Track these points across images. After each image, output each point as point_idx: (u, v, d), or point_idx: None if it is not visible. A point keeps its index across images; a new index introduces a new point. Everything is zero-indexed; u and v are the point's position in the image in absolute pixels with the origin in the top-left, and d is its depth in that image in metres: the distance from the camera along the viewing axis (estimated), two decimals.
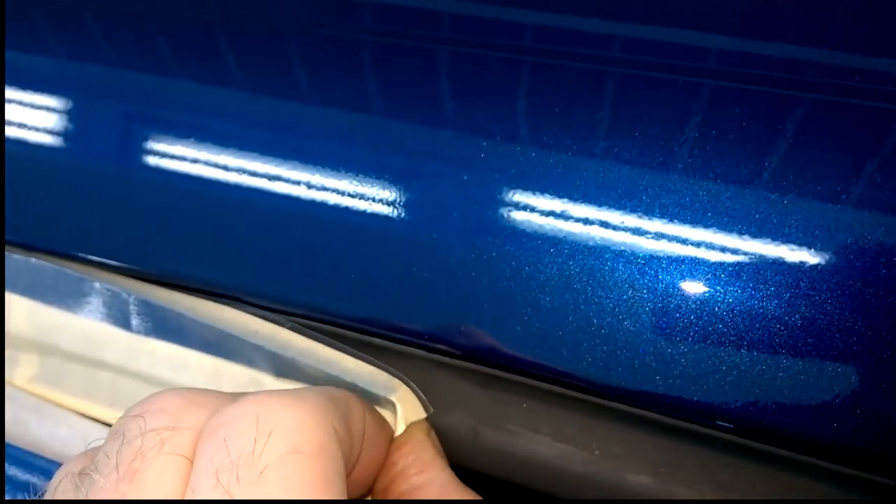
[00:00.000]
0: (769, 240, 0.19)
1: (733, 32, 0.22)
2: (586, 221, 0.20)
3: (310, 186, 0.22)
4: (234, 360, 0.23)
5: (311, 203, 0.22)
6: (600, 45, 0.22)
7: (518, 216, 0.21)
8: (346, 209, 0.22)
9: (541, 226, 0.20)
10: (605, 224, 0.20)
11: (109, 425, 0.24)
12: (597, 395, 0.21)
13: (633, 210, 0.20)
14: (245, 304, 0.24)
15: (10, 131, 0.25)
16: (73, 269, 0.25)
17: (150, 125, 0.24)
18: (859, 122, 0.20)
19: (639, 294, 0.20)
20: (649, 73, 0.21)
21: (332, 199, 0.22)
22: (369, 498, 0.21)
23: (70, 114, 0.25)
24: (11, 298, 0.25)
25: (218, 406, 0.16)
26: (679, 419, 0.21)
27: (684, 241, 0.20)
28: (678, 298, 0.20)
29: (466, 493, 0.19)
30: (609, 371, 0.20)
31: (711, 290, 0.19)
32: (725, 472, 0.20)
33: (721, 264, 0.19)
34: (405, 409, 0.21)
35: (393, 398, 0.21)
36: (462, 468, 0.22)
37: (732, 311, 0.19)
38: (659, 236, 0.20)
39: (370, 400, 0.20)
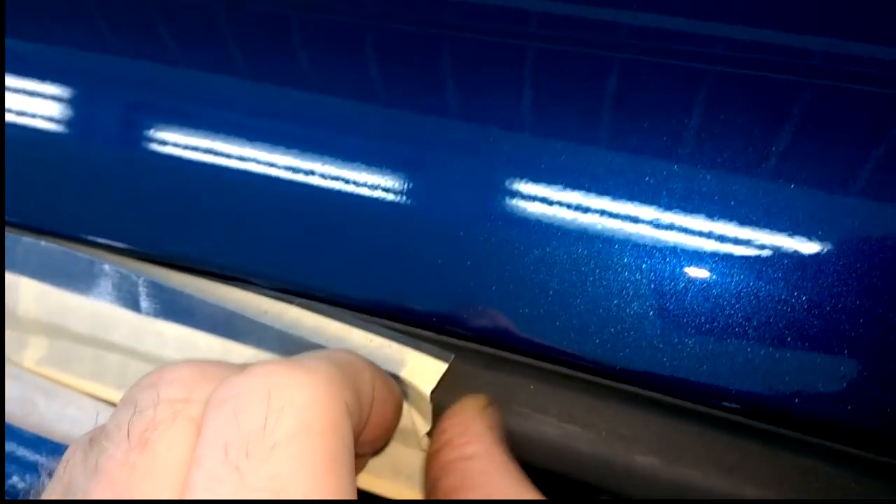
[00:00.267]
0: (776, 223, 0.19)
1: (739, 19, 0.22)
2: (595, 204, 0.20)
3: (319, 168, 0.22)
4: (243, 340, 0.23)
5: (321, 185, 0.22)
6: (604, 32, 0.22)
7: (526, 198, 0.21)
8: (356, 191, 0.22)
9: (549, 208, 0.20)
10: (613, 207, 0.20)
11: None
12: (604, 377, 0.21)
13: (640, 194, 0.20)
14: (254, 286, 0.24)
15: (20, 115, 0.25)
16: (82, 252, 0.25)
17: (159, 107, 0.24)
18: (872, 108, 0.20)
19: (646, 276, 0.20)
20: (655, 59, 0.22)
21: (342, 181, 0.22)
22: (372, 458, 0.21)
23: (80, 96, 0.25)
24: (21, 280, 0.25)
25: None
26: (686, 400, 0.21)
27: (691, 225, 0.20)
28: (685, 281, 0.20)
29: (512, 475, 0.19)
30: (616, 352, 0.20)
31: (718, 272, 0.19)
32: (732, 454, 0.20)
33: (728, 248, 0.19)
34: (417, 381, 0.21)
35: (402, 374, 0.21)
36: None
37: (739, 293, 0.19)
38: (666, 220, 0.20)
39: None
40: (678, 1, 0.23)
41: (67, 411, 0.25)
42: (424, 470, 0.21)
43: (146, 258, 0.25)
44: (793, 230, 0.19)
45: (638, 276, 0.20)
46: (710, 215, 0.20)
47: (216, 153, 0.23)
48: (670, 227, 0.20)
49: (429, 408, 0.21)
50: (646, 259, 0.20)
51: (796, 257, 0.19)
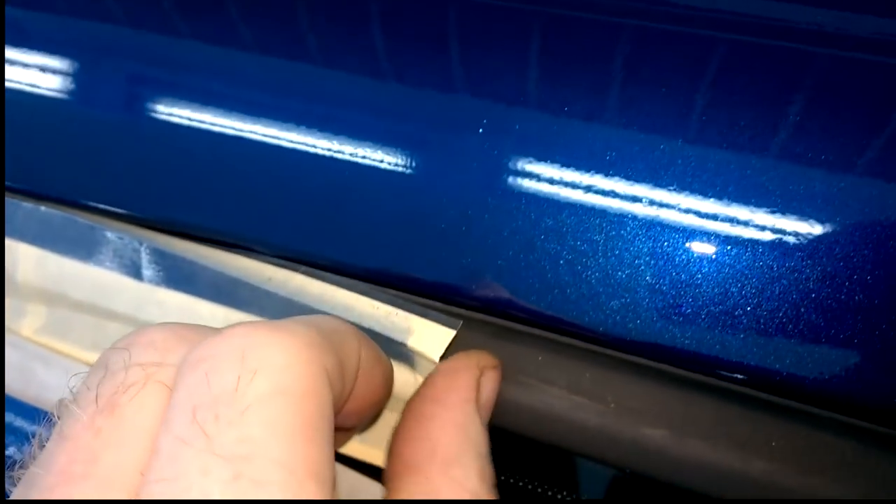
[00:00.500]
0: (787, 195, 0.19)
1: None
2: (605, 174, 0.20)
3: (325, 136, 0.22)
4: (246, 308, 0.22)
5: (327, 153, 0.22)
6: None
7: (536, 167, 0.20)
8: (362, 160, 0.21)
9: (558, 178, 0.20)
10: (622, 178, 0.20)
11: None
12: (612, 349, 0.21)
13: (649, 165, 0.20)
14: (258, 254, 0.23)
15: (21, 79, 0.25)
16: (83, 218, 0.24)
17: (161, 72, 0.24)
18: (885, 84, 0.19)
19: (656, 247, 0.20)
20: (661, 26, 0.21)
21: (348, 149, 0.21)
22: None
23: (81, 62, 0.25)
24: (20, 247, 0.25)
25: None
26: (695, 372, 0.20)
27: (702, 197, 0.19)
28: (694, 252, 0.19)
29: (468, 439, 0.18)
30: (625, 324, 0.20)
31: (727, 243, 0.19)
32: (742, 426, 0.20)
33: (736, 220, 0.19)
34: (425, 348, 0.20)
35: (409, 342, 0.20)
36: None
37: (749, 265, 0.19)
38: (676, 192, 0.19)
39: (388, 345, 0.20)
40: None
41: (66, 381, 0.24)
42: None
43: (148, 225, 0.24)
44: (807, 203, 0.19)
45: (648, 247, 0.20)
46: (721, 188, 0.19)
47: (221, 118, 0.23)
48: (680, 198, 0.19)
49: None
50: (656, 230, 0.20)
51: (808, 230, 0.19)
